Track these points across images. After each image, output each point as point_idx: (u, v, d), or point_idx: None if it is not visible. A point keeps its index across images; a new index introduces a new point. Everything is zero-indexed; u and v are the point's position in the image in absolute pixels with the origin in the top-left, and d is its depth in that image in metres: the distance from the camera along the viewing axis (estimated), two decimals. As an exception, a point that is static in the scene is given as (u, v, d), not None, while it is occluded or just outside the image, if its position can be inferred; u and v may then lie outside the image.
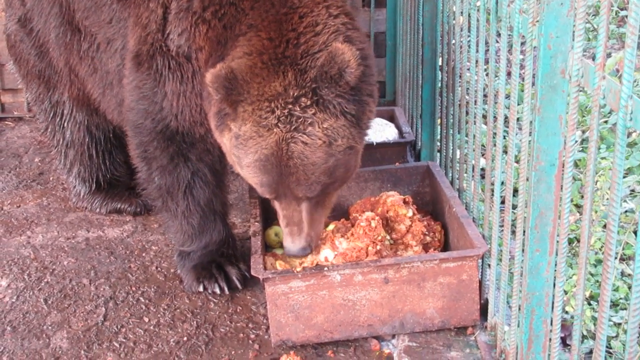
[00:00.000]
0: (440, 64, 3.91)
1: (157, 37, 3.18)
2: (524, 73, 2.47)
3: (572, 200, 3.53)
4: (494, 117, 2.90)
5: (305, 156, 2.80)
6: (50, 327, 3.31)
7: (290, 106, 2.77)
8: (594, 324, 3.35)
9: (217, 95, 2.80)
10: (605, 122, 4.97)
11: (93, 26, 3.56)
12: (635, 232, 3.94)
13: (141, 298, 3.50)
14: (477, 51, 3.16)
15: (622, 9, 6.66)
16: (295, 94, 2.78)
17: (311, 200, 2.93)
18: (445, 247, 3.44)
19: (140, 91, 3.28)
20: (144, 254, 3.86)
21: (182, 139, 3.32)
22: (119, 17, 3.41)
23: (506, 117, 2.83)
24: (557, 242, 2.38)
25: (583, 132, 4.85)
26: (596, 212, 3.73)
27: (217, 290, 3.45)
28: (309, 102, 2.78)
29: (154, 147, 3.35)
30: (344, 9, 2.99)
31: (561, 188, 2.31)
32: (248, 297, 3.46)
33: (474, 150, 3.23)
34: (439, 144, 3.98)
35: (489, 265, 3.03)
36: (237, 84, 2.77)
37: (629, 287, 3.59)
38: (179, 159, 3.36)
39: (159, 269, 3.73)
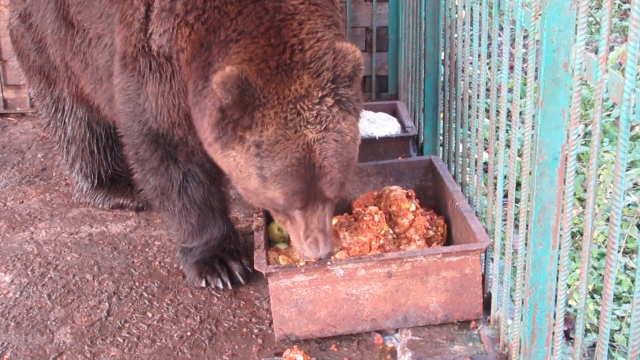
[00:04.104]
0: (442, 58, 3.91)
1: (140, 37, 3.16)
2: (526, 67, 2.46)
3: (575, 194, 3.53)
4: (497, 111, 2.90)
5: (339, 153, 2.83)
6: (53, 323, 3.31)
7: (317, 107, 2.79)
8: (597, 318, 3.35)
9: (227, 98, 2.71)
10: (608, 115, 4.97)
11: (85, 21, 3.55)
12: (638, 226, 3.94)
13: (144, 293, 3.50)
14: (479, 45, 3.15)
15: (624, 2, 6.65)
16: (320, 95, 2.80)
17: (333, 200, 2.97)
18: (448, 241, 3.44)
19: (126, 93, 3.28)
20: (147, 249, 3.86)
21: (165, 141, 3.31)
22: (107, 13, 3.39)
23: (509, 111, 2.83)
24: (560, 235, 2.38)
25: (586, 125, 4.84)
26: (599, 205, 3.72)
27: (220, 285, 3.45)
28: (332, 102, 2.82)
29: (143, 150, 3.35)
30: (334, 20, 3.02)
31: (564, 182, 2.31)
32: (251, 292, 3.46)
33: (476, 144, 3.23)
34: (441, 138, 3.98)
35: (492, 259, 3.03)
36: (250, 87, 2.73)
37: (632, 281, 3.58)
38: (169, 160, 3.35)
39: (162, 264, 3.73)
